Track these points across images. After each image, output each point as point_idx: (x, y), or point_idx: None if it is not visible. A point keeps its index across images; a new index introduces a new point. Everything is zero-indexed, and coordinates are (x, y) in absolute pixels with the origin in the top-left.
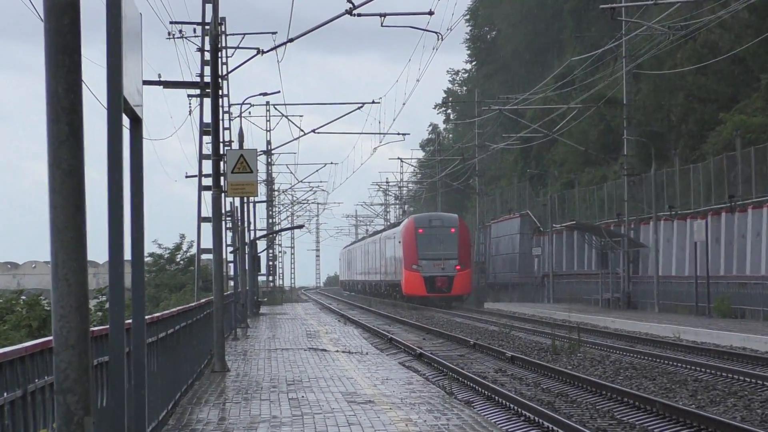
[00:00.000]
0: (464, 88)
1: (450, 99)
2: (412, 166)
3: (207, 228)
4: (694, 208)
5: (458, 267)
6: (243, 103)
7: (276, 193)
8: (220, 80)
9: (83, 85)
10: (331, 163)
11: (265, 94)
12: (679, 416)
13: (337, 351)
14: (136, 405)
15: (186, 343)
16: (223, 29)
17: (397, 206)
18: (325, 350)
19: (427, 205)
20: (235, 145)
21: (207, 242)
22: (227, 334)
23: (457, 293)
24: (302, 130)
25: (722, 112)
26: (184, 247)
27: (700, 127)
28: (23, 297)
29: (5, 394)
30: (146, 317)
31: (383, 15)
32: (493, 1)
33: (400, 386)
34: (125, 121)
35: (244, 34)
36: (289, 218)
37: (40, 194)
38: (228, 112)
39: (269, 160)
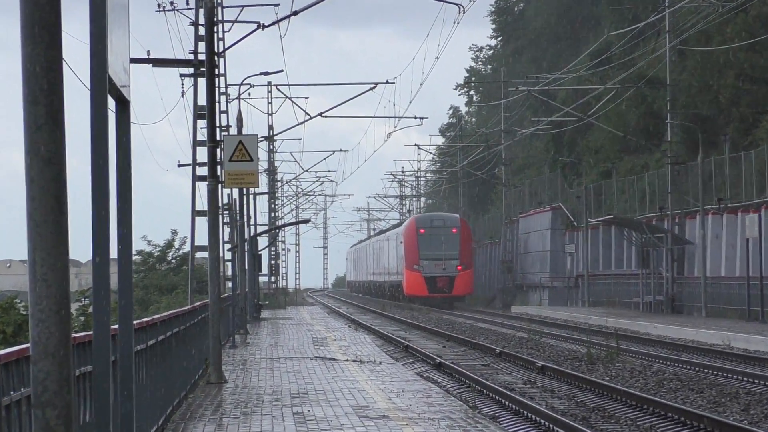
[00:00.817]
0: (489, 66)
1: (473, 79)
2: (430, 153)
3: (202, 223)
4: (746, 200)
5: (459, 267)
6: (242, 84)
7: (279, 183)
8: (216, 58)
9: (64, 64)
10: (341, 150)
11: (266, 74)
12: None
13: (347, 360)
14: (123, 420)
15: (178, 352)
16: (219, 0)
17: (414, 198)
18: (333, 359)
19: (447, 196)
20: (233, 131)
21: (202, 239)
22: (224, 342)
23: (459, 293)
24: (308, 114)
25: None
26: (177, 244)
27: (752, 110)
28: None
29: None
30: (134, 322)
31: None
32: None
33: (418, 399)
34: (111, 103)
35: (243, 6)
36: (294, 212)
37: (16, 185)
38: (225, 93)
39: (271, 147)
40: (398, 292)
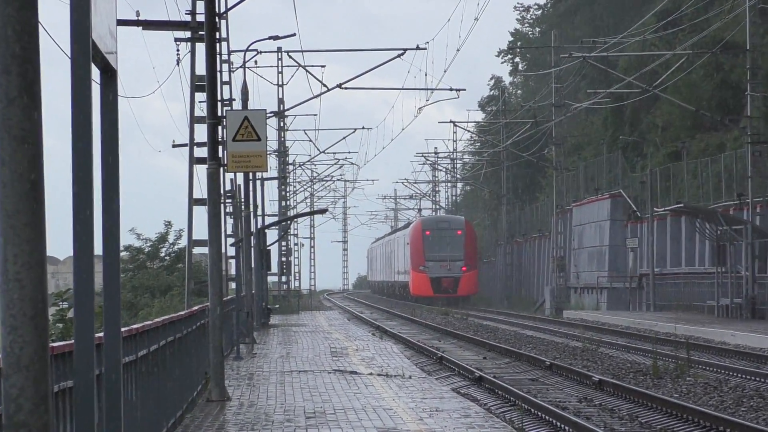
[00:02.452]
0: (537, 29)
1: (518, 44)
2: (468, 131)
3: (201, 213)
4: None
5: (464, 268)
6: (247, 50)
7: (291, 167)
8: (217, 19)
9: (40, 27)
10: (363, 128)
11: (276, 38)
12: None
13: (371, 374)
14: None
15: (174, 364)
16: None
17: (449, 184)
18: (355, 373)
19: (488, 182)
20: (237, 105)
21: (201, 232)
22: (227, 352)
23: (463, 293)
24: (325, 85)
25: None
26: (171, 238)
27: None
28: None
29: None
30: (122, 330)
31: None
32: None
33: (454, 420)
34: (94, 73)
35: None
36: (308, 200)
37: None
38: (228, 61)
39: (282, 124)
40: (406, 292)
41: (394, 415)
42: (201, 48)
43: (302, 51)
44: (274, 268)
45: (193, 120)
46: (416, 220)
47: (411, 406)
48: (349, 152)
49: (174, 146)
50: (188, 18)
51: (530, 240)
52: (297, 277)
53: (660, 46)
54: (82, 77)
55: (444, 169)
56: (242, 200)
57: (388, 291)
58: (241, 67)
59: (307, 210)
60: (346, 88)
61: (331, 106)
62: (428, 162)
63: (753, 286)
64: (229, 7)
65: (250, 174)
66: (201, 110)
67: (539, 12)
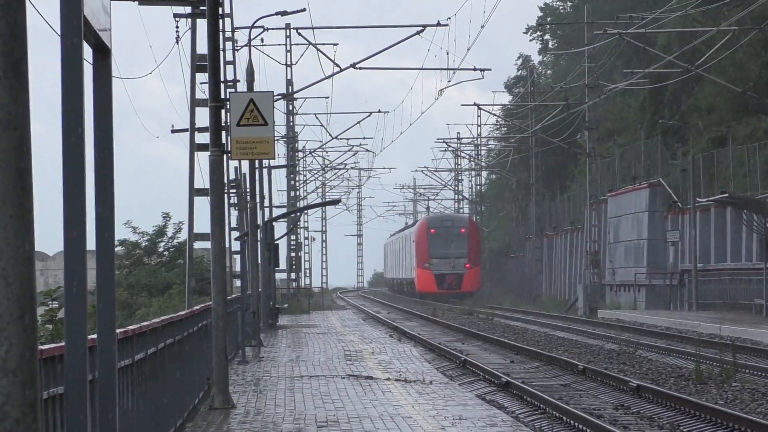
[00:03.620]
0: (568, 3)
1: (548, 20)
2: (493, 115)
3: (203, 204)
4: None
5: (468, 265)
6: (253, 27)
7: (300, 154)
8: None
9: (27, 2)
10: (379, 111)
11: (284, 14)
12: None
13: (389, 379)
14: None
15: (173, 369)
16: None
17: (474, 173)
18: (371, 378)
19: (515, 170)
20: (242, 87)
21: (203, 225)
22: (232, 356)
23: (467, 290)
24: (337, 65)
25: None
26: (170, 231)
27: None
28: None
29: None
30: (117, 331)
31: None
32: None
33: (479, 429)
34: (86, 52)
35: None
36: (320, 191)
37: None
38: (232, 39)
39: (291, 107)
40: (412, 288)
41: (413, 424)
42: (202, 25)
43: (313, 28)
44: (283, 264)
45: (194, 103)
46: (422, 218)
47: (432, 414)
48: (364, 138)
49: (173, 131)
50: None
51: (561, 233)
52: (307, 274)
53: (703, 21)
54: (73, 57)
55: (467, 157)
56: (248, 190)
57: (398, 288)
58: (246, 45)
59: (319, 201)
60: (360, 69)
61: (344, 87)
62: (450, 148)
63: None
64: None
65: (256, 162)
66: (202, 92)
67: None
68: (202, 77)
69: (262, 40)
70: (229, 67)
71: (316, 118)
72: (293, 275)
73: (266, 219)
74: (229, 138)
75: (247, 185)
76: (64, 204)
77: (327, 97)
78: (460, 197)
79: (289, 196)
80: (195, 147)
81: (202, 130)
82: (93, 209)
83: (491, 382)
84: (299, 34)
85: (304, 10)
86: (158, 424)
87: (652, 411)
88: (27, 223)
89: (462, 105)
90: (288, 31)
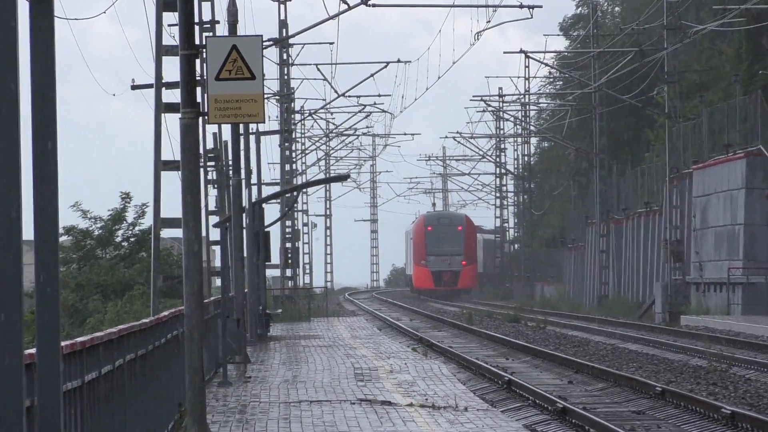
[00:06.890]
0: None
1: None
2: (546, 65)
3: (172, 181)
4: None
5: (464, 262)
6: None
7: (298, 116)
8: None
9: None
10: (398, 61)
11: None
12: None
13: (412, 405)
14: None
15: (135, 392)
16: None
17: (520, 140)
18: (389, 403)
19: (574, 136)
20: (222, 30)
21: (172, 208)
22: (210, 375)
23: (463, 287)
24: (345, 2)
25: None
26: (130, 216)
27: None
28: None
29: None
30: (63, 344)
31: None
32: None
33: None
34: None
35: None
36: (323, 163)
37: None
38: None
39: (285, 56)
40: (410, 284)
41: None
42: None
43: None
44: (275, 258)
45: (161, 51)
46: (419, 216)
47: None
48: (379, 95)
49: (134, 88)
50: None
51: (633, 217)
52: (307, 271)
53: None
54: None
55: (512, 119)
56: (230, 163)
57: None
58: None
59: (322, 176)
60: (374, 6)
61: (353, 31)
62: (490, 108)
63: None
64: None
65: (241, 126)
66: (171, 37)
67: None
68: (171, 17)
69: None
70: (206, 5)
71: (318, 69)
72: (289, 272)
73: (254, 200)
74: (206, 96)
75: (230, 157)
76: None
77: (332, 43)
78: (503, 171)
79: (283, 171)
80: (162, 107)
81: (171, 85)
82: (30, 189)
83: (543, 408)
84: None
85: None
86: None
87: None
88: None
89: (505, 53)
90: None
